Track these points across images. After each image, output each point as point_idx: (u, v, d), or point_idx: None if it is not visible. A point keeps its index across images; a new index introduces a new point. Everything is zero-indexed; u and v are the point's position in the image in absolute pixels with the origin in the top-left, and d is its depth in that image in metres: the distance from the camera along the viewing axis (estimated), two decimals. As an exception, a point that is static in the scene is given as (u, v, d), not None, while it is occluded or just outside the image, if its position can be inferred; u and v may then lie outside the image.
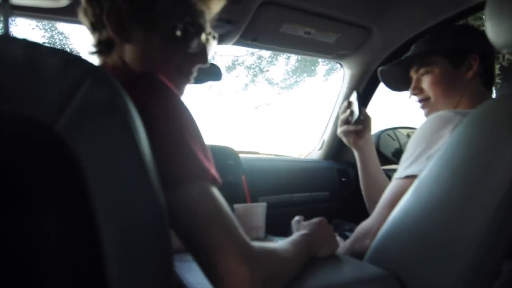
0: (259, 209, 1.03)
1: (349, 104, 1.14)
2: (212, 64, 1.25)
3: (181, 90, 0.68)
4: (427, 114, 0.99)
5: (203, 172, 0.49)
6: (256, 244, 0.51)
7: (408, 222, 0.66)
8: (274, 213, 1.50)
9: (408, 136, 2.12)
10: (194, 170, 0.48)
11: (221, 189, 0.52)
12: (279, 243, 0.62)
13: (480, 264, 0.55)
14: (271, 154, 2.02)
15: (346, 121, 1.13)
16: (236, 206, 1.03)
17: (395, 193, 0.81)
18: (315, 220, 0.78)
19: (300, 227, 0.78)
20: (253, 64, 6.14)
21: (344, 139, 1.16)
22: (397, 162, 1.98)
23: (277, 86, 6.34)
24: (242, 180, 1.14)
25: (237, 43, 1.23)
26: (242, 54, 6.01)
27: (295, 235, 0.68)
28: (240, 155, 1.63)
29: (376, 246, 0.72)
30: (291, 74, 6.14)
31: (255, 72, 6.23)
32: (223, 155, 1.43)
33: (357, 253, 0.82)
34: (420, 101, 1.01)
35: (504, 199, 0.53)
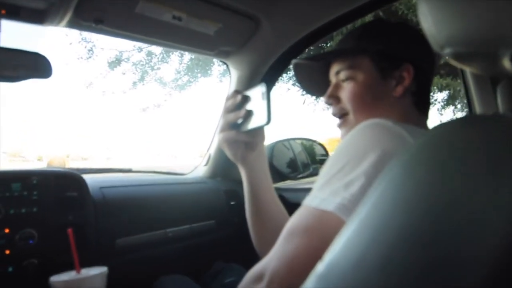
0: (91, 282, 0.65)
1: (244, 100, 0.75)
2: (37, 54, 0.83)
3: None
4: (343, 135, 0.75)
5: None
6: None
7: None
8: (140, 258, 1.13)
9: (302, 144, 1.97)
10: None
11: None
12: None
13: None
14: (145, 172, 1.63)
15: (234, 125, 0.76)
16: (54, 281, 0.64)
17: (304, 225, 0.53)
18: None
19: None
20: (141, 61, 5.54)
21: (228, 151, 0.80)
22: (293, 178, 1.80)
23: (168, 87, 5.85)
24: (68, 233, 0.74)
25: (73, 25, 0.83)
26: (128, 49, 5.36)
27: None
28: (94, 176, 1.22)
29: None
30: (183, 73, 5.72)
31: (144, 70, 5.64)
32: (60, 185, 0.99)
33: None
34: (335, 115, 0.76)
35: None
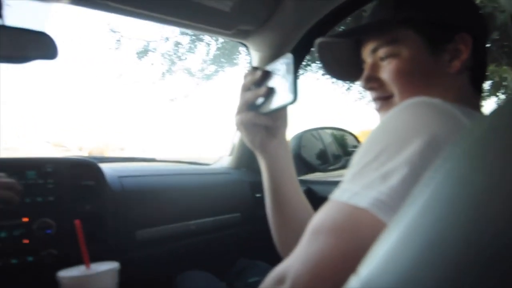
0: (100, 279, 0.60)
1: (265, 76, 0.64)
2: (43, 34, 0.78)
3: None
4: None
5: None
6: None
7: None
8: (161, 251, 1.09)
9: (333, 135, 1.86)
10: None
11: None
12: None
13: None
14: (169, 161, 1.59)
15: (253, 106, 0.66)
16: (61, 277, 0.59)
17: (331, 222, 0.45)
18: None
19: None
20: (169, 51, 5.55)
21: (245, 136, 0.70)
22: (323, 170, 1.71)
23: (196, 77, 5.85)
24: (76, 225, 0.69)
25: (78, 1, 0.77)
26: (155, 40, 5.39)
27: None
28: (113, 165, 1.18)
29: None
30: (210, 63, 5.69)
31: (172, 60, 5.66)
32: (76, 173, 0.96)
33: None
34: (377, 99, 0.66)
35: None
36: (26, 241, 0.86)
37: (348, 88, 6.10)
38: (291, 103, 0.57)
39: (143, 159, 1.49)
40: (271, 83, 0.62)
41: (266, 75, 0.63)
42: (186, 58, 5.66)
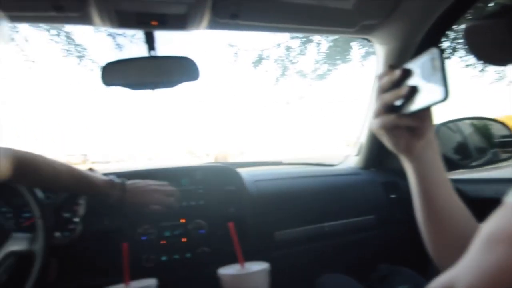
0: (256, 278, 0.65)
1: (405, 75, 0.59)
2: (186, 59, 0.89)
3: None
4: None
5: None
6: None
7: None
8: (298, 252, 1.12)
9: (473, 125, 1.63)
10: None
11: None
12: None
13: None
14: (295, 163, 1.62)
15: (393, 108, 0.61)
16: (222, 274, 0.66)
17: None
18: None
19: None
20: (281, 56, 5.71)
21: (388, 140, 0.65)
22: (465, 166, 1.51)
23: (308, 78, 5.86)
24: (230, 227, 0.76)
25: (212, 25, 0.85)
26: (268, 47, 5.60)
27: None
28: (246, 170, 1.26)
29: None
30: (322, 62, 5.62)
31: (284, 65, 5.80)
32: (220, 179, 1.06)
33: None
34: None
35: None
36: (184, 239, 0.99)
37: (482, 70, 5.28)
38: (443, 100, 0.52)
39: (271, 163, 1.55)
40: (412, 81, 0.57)
41: (406, 73, 0.59)
42: (297, 61, 5.73)
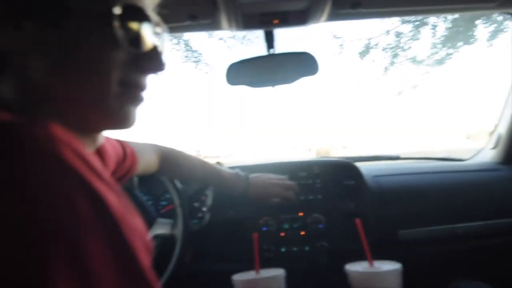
0: (387, 278, 0.62)
1: None
2: (305, 54, 0.90)
3: (127, 119, 0.40)
4: None
5: None
6: None
7: None
8: (424, 254, 1.03)
9: None
10: None
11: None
12: None
13: None
14: (415, 158, 1.50)
15: None
16: (351, 271, 0.65)
17: None
18: None
19: None
20: (390, 44, 5.31)
21: None
22: None
23: (423, 64, 5.32)
24: (357, 223, 0.74)
25: (332, 17, 0.83)
26: (375, 36, 5.27)
27: None
28: (364, 164, 1.21)
29: None
30: (440, 46, 5.04)
31: (394, 53, 5.39)
32: (338, 174, 1.04)
33: None
34: None
35: None
36: (302, 232, 1.00)
37: None
38: None
39: (387, 157, 1.46)
40: None
41: None
42: (410, 47, 5.26)
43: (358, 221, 0.72)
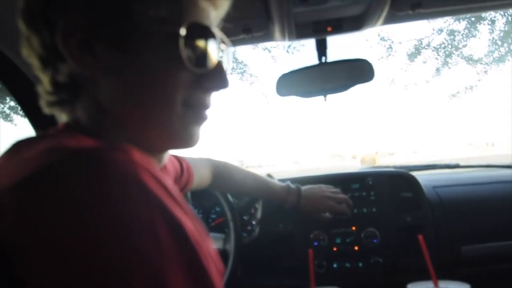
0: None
1: None
2: (361, 61, 0.86)
3: (191, 139, 0.40)
4: None
5: None
6: None
7: None
8: (491, 273, 0.95)
9: None
10: None
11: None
12: None
13: None
14: (476, 166, 1.39)
15: None
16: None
17: None
18: None
19: None
20: (443, 43, 5.02)
21: None
22: None
23: (480, 64, 4.97)
24: (420, 240, 0.69)
25: (389, 20, 0.79)
26: (427, 35, 5.00)
27: None
28: (420, 173, 1.14)
29: None
30: (499, 43, 4.68)
31: (447, 52, 5.09)
32: (394, 185, 0.99)
33: None
34: None
35: None
36: (356, 248, 0.96)
37: None
38: None
39: (446, 166, 1.37)
40: None
41: None
42: (465, 46, 4.94)
43: (421, 238, 0.68)
